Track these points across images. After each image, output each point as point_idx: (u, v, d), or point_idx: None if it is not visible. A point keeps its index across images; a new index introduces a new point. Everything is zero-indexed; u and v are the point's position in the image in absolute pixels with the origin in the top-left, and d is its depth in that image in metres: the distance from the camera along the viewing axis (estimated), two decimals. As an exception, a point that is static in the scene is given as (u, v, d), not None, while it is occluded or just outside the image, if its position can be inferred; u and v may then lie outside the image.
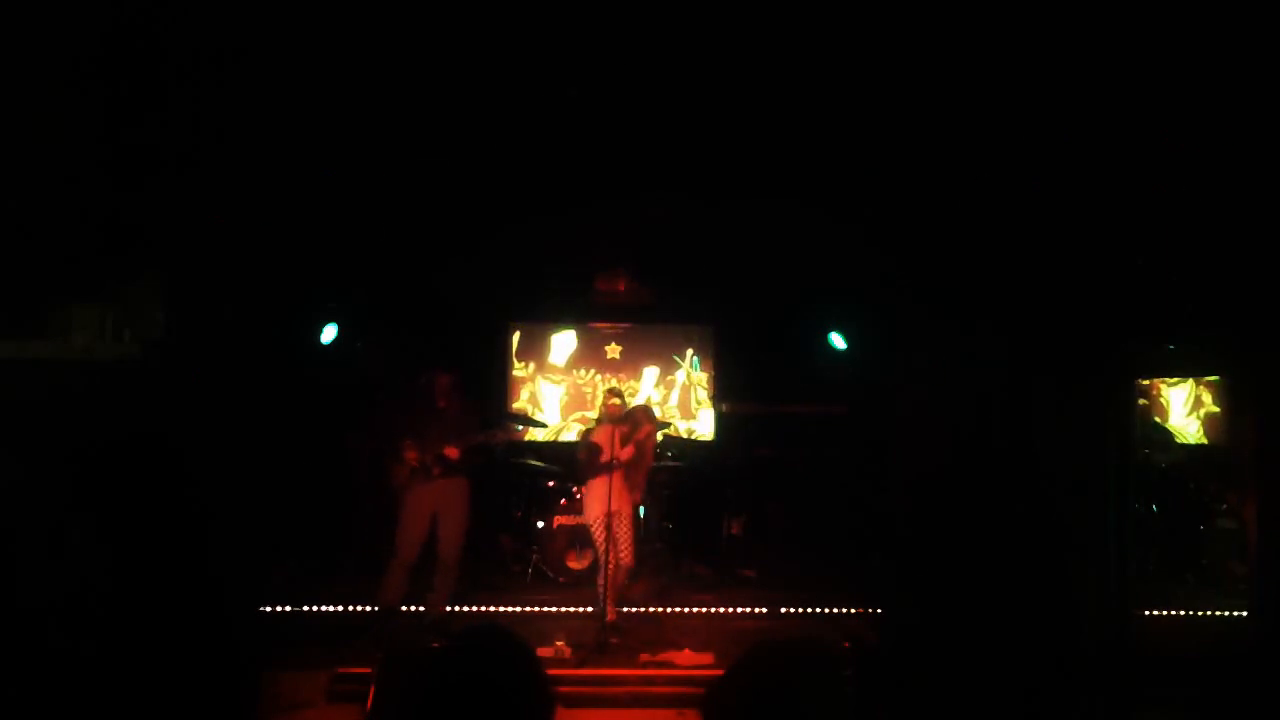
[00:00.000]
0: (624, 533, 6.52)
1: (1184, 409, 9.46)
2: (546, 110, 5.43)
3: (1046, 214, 5.19)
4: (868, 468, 7.40)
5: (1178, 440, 9.20)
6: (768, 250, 7.50)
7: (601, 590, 6.40)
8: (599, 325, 9.65)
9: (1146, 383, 9.37)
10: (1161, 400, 9.50)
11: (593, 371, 9.65)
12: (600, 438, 6.57)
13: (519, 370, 9.59)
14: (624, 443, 6.44)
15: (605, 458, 6.43)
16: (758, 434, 9.01)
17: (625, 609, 6.77)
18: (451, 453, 6.35)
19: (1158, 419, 9.38)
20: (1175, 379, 9.39)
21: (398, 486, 6.44)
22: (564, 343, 9.67)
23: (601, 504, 6.39)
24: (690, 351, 9.67)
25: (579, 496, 8.01)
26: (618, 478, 6.40)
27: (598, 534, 6.46)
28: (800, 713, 1.73)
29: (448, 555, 6.39)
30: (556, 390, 9.63)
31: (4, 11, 4.35)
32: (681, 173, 6.08)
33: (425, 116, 5.43)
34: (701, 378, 9.68)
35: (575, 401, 9.60)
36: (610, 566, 6.40)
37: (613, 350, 9.66)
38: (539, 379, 9.60)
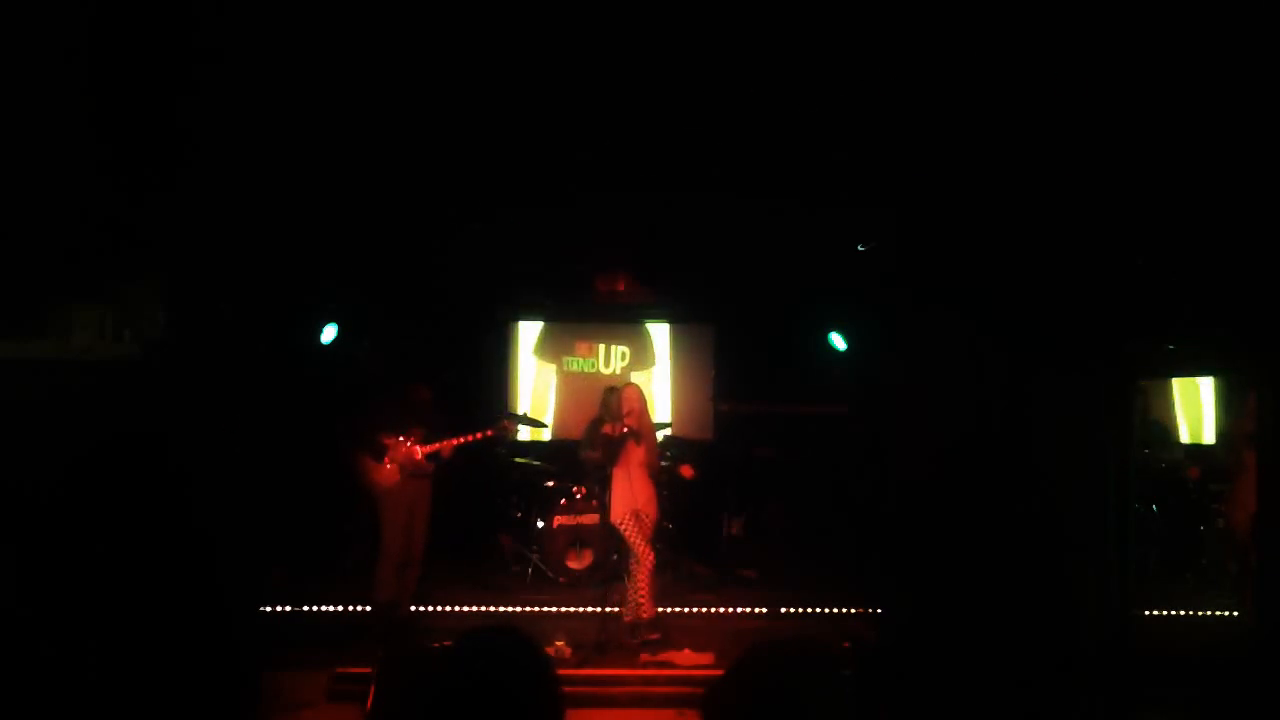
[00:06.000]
0: (646, 533, 6.46)
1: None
2: (546, 109, 5.43)
3: (1046, 214, 5.19)
4: (868, 468, 7.40)
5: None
6: (768, 250, 7.50)
7: (630, 589, 6.37)
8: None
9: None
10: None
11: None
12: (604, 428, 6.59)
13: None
14: (617, 421, 6.42)
15: (609, 430, 6.42)
16: (757, 434, 9.01)
17: (621, 608, 6.76)
18: (416, 454, 6.59)
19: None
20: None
21: (373, 485, 6.56)
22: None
23: (625, 503, 6.36)
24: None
25: (579, 496, 8.02)
26: (638, 470, 6.38)
27: (627, 532, 6.38)
28: (800, 713, 1.73)
29: (416, 551, 6.60)
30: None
31: (4, 11, 4.34)
32: (682, 172, 6.08)
33: (423, 116, 5.43)
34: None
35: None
36: (633, 565, 6.39)
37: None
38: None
